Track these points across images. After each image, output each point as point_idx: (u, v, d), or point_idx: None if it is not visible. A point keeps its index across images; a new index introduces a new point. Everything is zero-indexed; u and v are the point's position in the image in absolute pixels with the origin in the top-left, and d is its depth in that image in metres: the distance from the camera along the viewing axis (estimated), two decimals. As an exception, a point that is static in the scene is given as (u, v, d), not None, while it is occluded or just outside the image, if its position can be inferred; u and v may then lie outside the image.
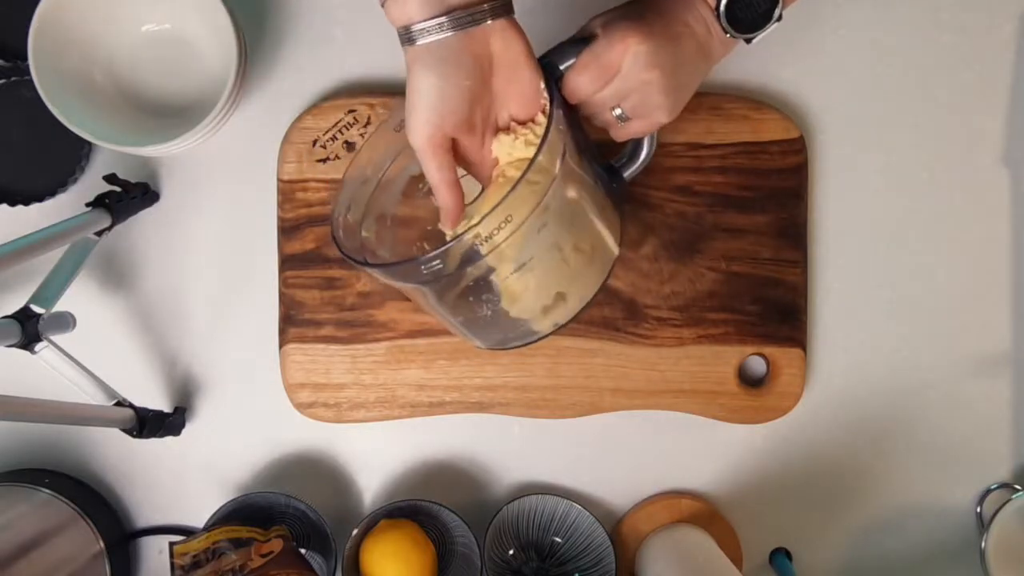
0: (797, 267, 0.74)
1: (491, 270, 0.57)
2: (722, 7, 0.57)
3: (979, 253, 0.76)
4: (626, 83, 0.57)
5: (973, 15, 0.75)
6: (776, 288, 0.74)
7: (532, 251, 0.57)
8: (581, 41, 0.57)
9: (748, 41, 0.59)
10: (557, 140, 0.55)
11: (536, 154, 0.53)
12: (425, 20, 0.51)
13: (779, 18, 0.58)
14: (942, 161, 0.76)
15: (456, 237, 0.53)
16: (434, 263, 0.54)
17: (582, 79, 0.57)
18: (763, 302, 0.74)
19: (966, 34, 0.75)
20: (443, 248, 0.53)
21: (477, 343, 0.65)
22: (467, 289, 0.58)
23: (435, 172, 0.55)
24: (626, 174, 0.65)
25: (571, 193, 0.58)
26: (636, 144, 0.65)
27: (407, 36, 0.52)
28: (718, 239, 0.74)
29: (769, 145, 0.73)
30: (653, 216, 0.74)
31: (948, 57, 0.75)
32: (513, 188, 0.52)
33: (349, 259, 0.58)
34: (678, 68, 0.58)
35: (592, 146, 0.63)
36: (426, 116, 0.53)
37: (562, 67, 0.57)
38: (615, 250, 0.64)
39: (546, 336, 0.63)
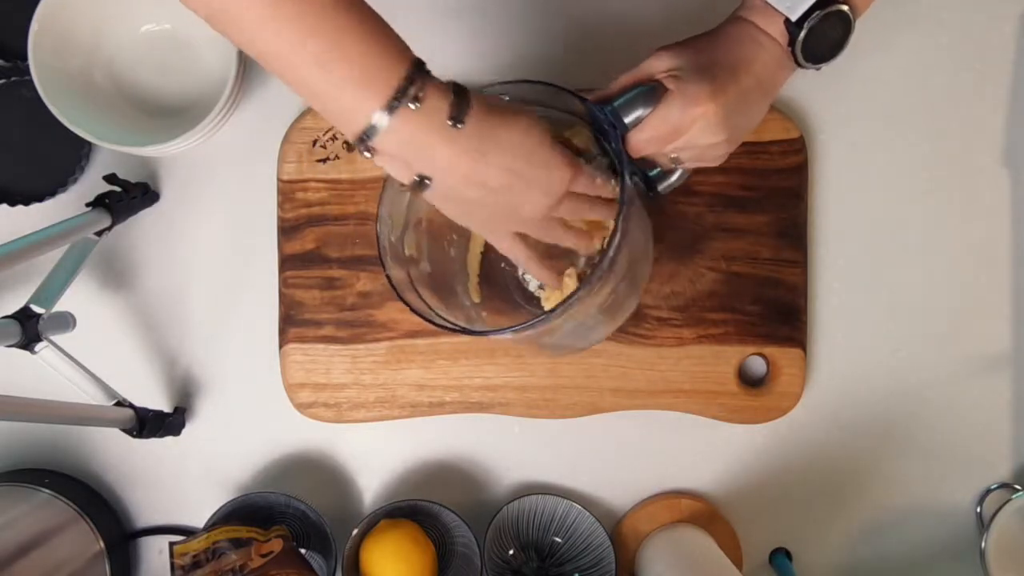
0: (797, 267, 0.74)
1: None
2: (799, 45, 0.55)
3: (979, 253, 0.76)
4: (692, 141, 0.56)
5: (973, 15, 0.75)
6: (776, 288, 0.74)
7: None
8: (649, 92, 0.56)
9: (818, 68, 0.58)
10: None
11: (615, 229, 0.54)
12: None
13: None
14: (942, 161, 0.76)
15: (550, 311, 0.55)
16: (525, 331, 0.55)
17: (650, 141, 0.56)
18: (763, 302, 0.74)
19: (966, 34, 0.75)
20: (543, 317, 0.55)
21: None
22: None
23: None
24: (660, 187, 0.65)
25: (640, 242, 0.61)
26: None
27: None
28: (718, 239, 0.74)
29: (769, 145, 0.73)
30: (653, 216, 0.73)
31: (948, 57, 0.75)
32: (600, 262, 0.53)
33: (430, 321, 0.59)
34: (742, 124, 0.57)
35: (638, 171, 0.63)
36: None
37: (627, 119, 0.56)
38: (649, 272, 0.70)
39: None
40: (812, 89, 0.75)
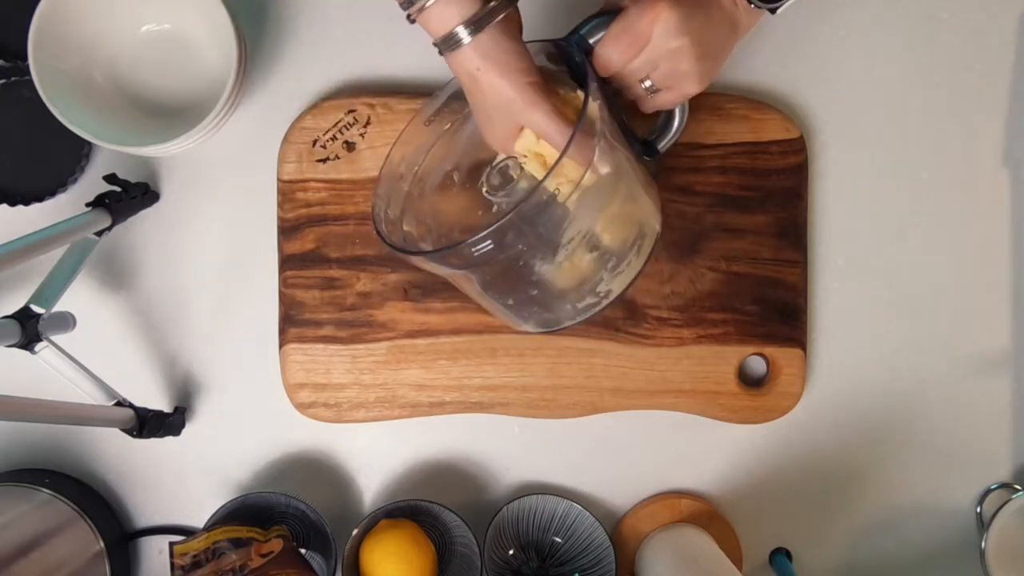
0: (797, 267, 0.74)
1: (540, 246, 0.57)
2: None
3: (979, 253, 0.76)
4: (656, 51, 0.57)
5: (973, 15, 0.75)
6: (776, 288, 0.74)
7: (583, 224, 0.57)
8: (609, 14, 0.57)
9: (773, 11, 0.59)
10: (596, 111, 0.55)
11: (581, 117, 0.53)
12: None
13: None
14: (942, 161, 0.76)
15: (505, 214, 0.53)
16: (484, 245, 0.54)
17: (613, 50, 0.57)
18: (763, 302, 0.74)
19: (966, 34, 0.75)
20: (498, 224, 0.53)
21: (526, 327, 0.64)
22: (512, 269, 0.58)
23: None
24: (660, 145, 0.65)
25: (610, 168, 0.58)
26: (668, 115, 0.65)
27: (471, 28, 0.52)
28: (718, 239, 0.74)
29: (769, 145, 0.73)
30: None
31: (948, 57, 0.75)
32: (564, 153, 0.52)
33: (396, 249, 0.58)
34: (706, 35, 0.57)
35: (626, 126, 0.62)
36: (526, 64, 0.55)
37: (592, 41, 0.57)
38: (658, 226, 0.64)
39: (588, 317, 0.63)
40: (812, 89, 0.75)
